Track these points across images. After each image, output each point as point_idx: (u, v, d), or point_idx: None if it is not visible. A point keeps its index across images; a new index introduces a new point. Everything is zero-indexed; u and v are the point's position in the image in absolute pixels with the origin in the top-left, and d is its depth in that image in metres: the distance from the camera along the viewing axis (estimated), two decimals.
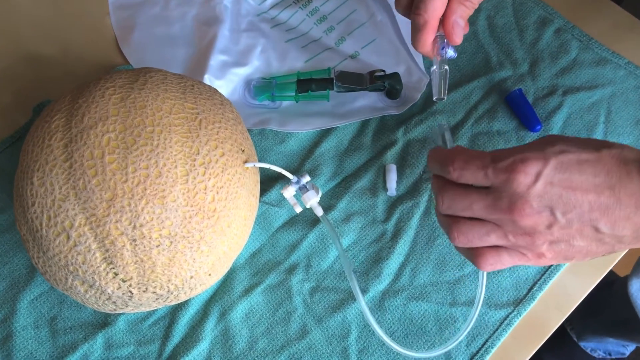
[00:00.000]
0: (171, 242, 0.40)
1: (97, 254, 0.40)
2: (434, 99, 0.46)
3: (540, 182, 0.37)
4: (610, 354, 1.12)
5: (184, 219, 0.41)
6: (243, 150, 0.45)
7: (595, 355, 1.12)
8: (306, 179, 0.49)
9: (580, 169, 0.37)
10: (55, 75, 0.63)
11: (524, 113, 0.60)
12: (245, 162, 0.45)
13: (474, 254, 0.42)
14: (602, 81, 0.62)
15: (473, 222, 0.41)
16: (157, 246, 0.40)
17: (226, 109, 0.46)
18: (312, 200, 0.49)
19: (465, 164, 0.40)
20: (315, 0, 0.66)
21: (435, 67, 0.46)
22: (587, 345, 1.11)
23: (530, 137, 0.59)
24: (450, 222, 0.42)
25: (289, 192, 0.49)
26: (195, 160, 0.41)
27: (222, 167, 0.42)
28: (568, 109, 0.61)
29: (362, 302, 0.48)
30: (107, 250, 0.40)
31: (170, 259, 0.41)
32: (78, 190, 0.39)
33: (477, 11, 0.66)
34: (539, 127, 0.59)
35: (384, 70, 0.60)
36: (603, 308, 1.02)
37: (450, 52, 0.46)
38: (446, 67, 0.46)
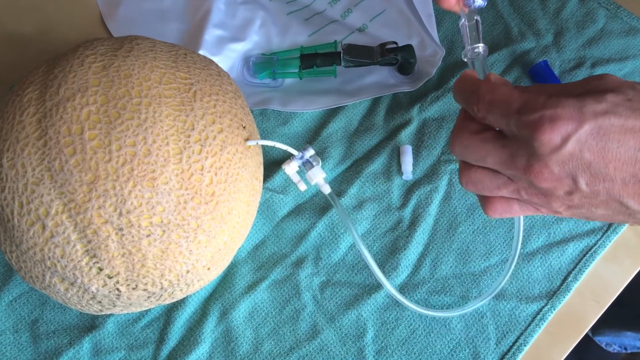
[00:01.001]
0: (164, 231, 0.35)
1: (78, 246, 0.34)
2: (465, 58, 0.40)
3: (568, 147, 0.32)
4: (626, 348, 1.08)
5: (178, 204, 0.35)
6: (244, 127, 0.40)
7: (610, 349, 1.07)
8: (310, 152, 0.44)
9: (621, 139, 0.32)
10: (34, 56, 0.57)
11: None
12: (247, 139, 0.39)
13: (482, 200, 0.38)
14: (633, 52, 0.57)
15: (485, 173, 0.36)
16: (148, 236, 0.35)
17: (224, 81, 0.40)
18: (318, 176, 0.44)
19: (490, 106, 0.34)
20: None
21: (463, 20, 0.40)
22: (602, 340, 1.06)
23: None
24: (461, 166, 0.37)
25: (292, 168, 0.43)
26: (189, 136, 0.36)
27: (220, 144, 0.37)
28: None
29: (387, 285, 0.43)
30: (89, 242, 0.34)
31: (163, 250, 0.35)
32: (54, 172, 0.34)
33: None
34: None
35: (396, 43, 0.54)
36: (626, 300, 0.97)
37: (479, 0, 0.40)
38: (477, 17, 0.40)
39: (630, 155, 0.32)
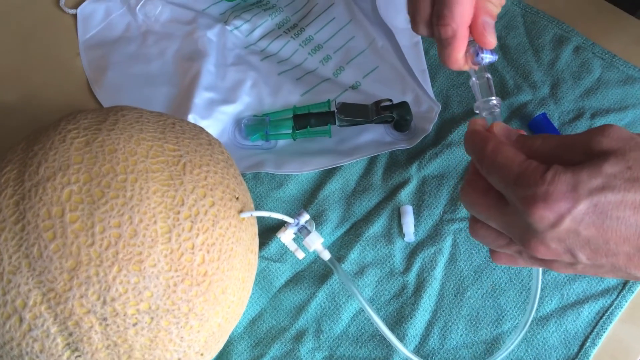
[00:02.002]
0: (152, 318, 0.32)
1: (59, 340, 0.32)
2: (478, 111, 0.39)
3: (564, 225, 0.30)
4: None
5: (167, 287, 0.32)
6: (237, 198, 0.37)
7: None
8: (305, 217, 0.42)
9: (621, 215, 0.30)
10: (18, 126, 0.55)
11: None
12: (241, 211, 0.37)
13: (489, 250, 0.37)
14: (632, 101, 0.56)
15: (490, 231, 0.35)
16: (134, 325, 0.32)
17: (215, 150, 0.38)
18: (316, 242, 0.42)
19: (492, 168, 0.34)
20: (308, 28, 0.59)
21: (474, 78, 0.39)
22: None
23: None
24: (470, 220, 0.37)
25: (287, 236, 0.41)
26: (179, 213, 0.33)
27: (212, 219, 0.35)
28: None
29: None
30: (70, 334, 0.31)
31: (151, 339, 0.32)
32: (32, 259, 0.31)
33: None
34: None
35: (390, 100, 0.53)
36: None
37: (489, 56, 0.38)
38: (487, 75, 0.39)
39: (632, 232, 0.30)
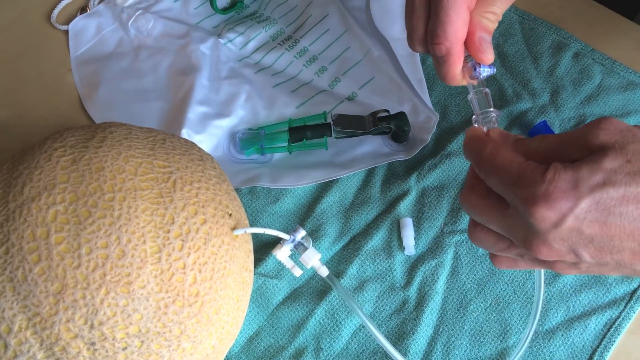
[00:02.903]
0: (142, 341, 0.31)
1: None
2: (476, 124, 0.38)
3: (566, 224, 0.30)
4: None
5: (158, 309, 0.31)
6: (230, 215, 0.36)
7: None
8: (301, 233, 0.41)
9: (624, 210, 0.30)
10: (9, 143, 0.54)
11: None
12: (234, 228, 0.36)
13: (490, 254, 0.37)
14: (634, 107, 0.55)
15: (490, 234, 0.35)
16: (124, 349, 0.31)
17: (207, 166, 0.37)
18: (314, 259, 0.40)
19: (490, 171, 0.33)
20: (303, 40, 0.59)
21: (471, 94, 0.38)
22: None
23: None
24: (470, 222, 0.36)
25: (284, 253, 0.40)
26: (169, 231, 0.32)
27: (204, 237, 0.33)
28: None
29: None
30: None
31: None
32: (17, 283, 0.30)
33: None
34: None
35: (387, 111, 0.52)
36: None
37: (487, 70, 0.37)
38: (486, 89, 0.38)
39: (636, 227, 0.29)
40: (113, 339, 0.30)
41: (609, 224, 0.30)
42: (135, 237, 0.31)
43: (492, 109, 0.38)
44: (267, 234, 0.49)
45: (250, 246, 0.39)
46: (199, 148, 0.39)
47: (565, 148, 0.32)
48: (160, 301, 0.31)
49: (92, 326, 0.30)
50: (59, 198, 0.31)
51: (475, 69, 0.37)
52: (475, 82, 0.38)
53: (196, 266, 0.33)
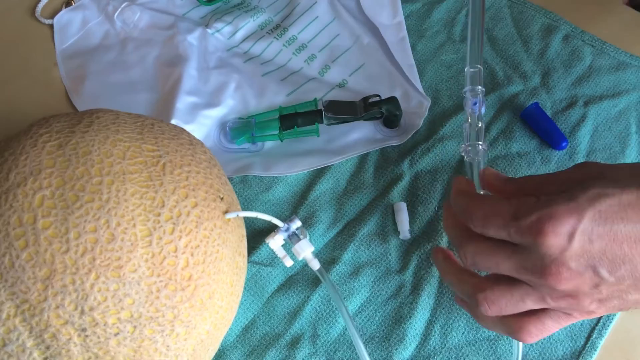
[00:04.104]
0: (134, 327, 0.30)
1: (35, 354, 0.30)
2: (464, 154, 0.42)
3: (577, 241, 0.31)
4: None
5: (150, 293, 0.31)
6: (222, 198, 0.36)
7: None
8: (296, 224, 0.40)
9: (624, 216, 0.31)
10: None
11: (544, 129, 0.52)
12: (226, 212, 0.35)
13: (511, 326, 0.35)
14: (625, 87, 0.55)
15: (502, 287, 0.34)
16: (116, 334, 0.30)
17: (197, 150, 0.37)
18: (306, 250, 0.40)
19: (486, 220, 0.34)
20: (291, 28, 0.58)
21: (466, 124, 0.42)
22: None
23: (556, 156, 0.51)
24: (474, 290, 0.35)
25: (277, 242, 0.40)
26: (159, 215, 0.32)
27: (196, 221, 0.33)
28: (593, 121, 0.53)
29: None
30: (47, 348, 0.29)
31: (135, 350, 0.31)
32: (4, 270, 0.29)
33: None
34: (565, 143, 0.51)
35: (379, 95, 0.51)
36: None
37: (484, 109, 0.42)
38: (480, 124, 0.42)
39: (639, 231, 0.31)
40: (104, 325, 0.30)
41: (615, 232, 0.31)
42: (124, 220, 0.30)
43: (480, 142, 0.41)
44: (260, 223, 0.48)
45: (243, 231, 0.39)
46: (188, 133, 0.38)
47: (551, 184, 0.34)
48: (152, 285, 0.31)
49: (82, 312, 0.29)
50: (45, 183, 0.31)
51: (475, 104, 0.41)
52: (470, 112, 0.42)
53: (188, 249, 0.32)
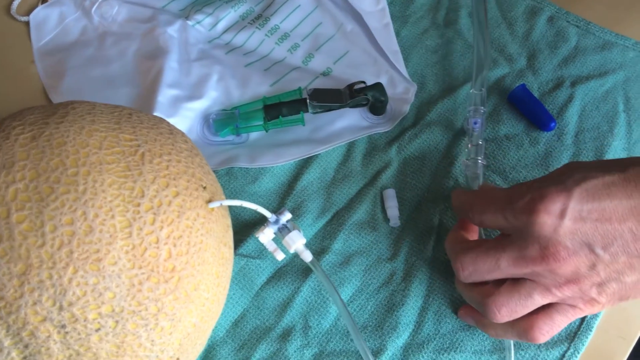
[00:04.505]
0: (116, 321, 0.29)
1: (14, 354, 0.28)
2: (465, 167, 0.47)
3: (568, 218, 0.33)
4: None
5: (132, 286, 0.30)
6: (204, 187, 0.35)
7: None
8: (286, 216, 0.39)
9: (610, 193, 0.33)
10: None
11: (532, 111, 0.51)
12: (209, 201, 0.34)
13: (521, 327, 0.36)
14: (611, 66, 0.54)
15: (508, 287, 0.35)
16: (97, 330, 0.29)
17: (177, 139, 0.36)
18: (297, 242, 0.39)
19: (484, 207, 0.37)
20: (273, 18, 0.57)
21: (468, 141, 0.47)
22: None
23: (544, 137, 0.50)
24: (482, 297, 0.36)
25: (267, 236, 0.39)
26: (139, 205, 0.31)
27: (177, 210, 0.32)
28: (581, 101, 0.52)
29: None
30: (26, 347, 0.28)
31: (118, 345, 0.30)
32: None
33: (457, 9, 0.58)
34: (553, 124, 0.50)
35: (364, 82, 0.51)
36: None
37: (479, 129, 0.47)
38: (481, 142, 0.47)
39: (625, 207, 0.32)
40: (85, 320, 0.28)
41: (602, 208, 0.32)
42: (102, 211, 0.29)
43: (480, 158, 0.46)
44: (246, 214, 0.47)
45: (229, 221, 0.38)
46: (168, 122, 0.37)
47: (540, 182, 0.35)
48: (134, 278, 0.30)
49: (61, 308, 0.28)
50: (18, 176, 0.30)
51: (475, 123, 0.47)
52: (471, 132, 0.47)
53: (170, 240, 0.31)
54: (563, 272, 0.33)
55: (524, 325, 0.36)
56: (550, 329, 0.36)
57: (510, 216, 0.35)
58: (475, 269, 0.36)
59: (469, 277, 0.36)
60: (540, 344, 0.42)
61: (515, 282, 0.35)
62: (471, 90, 0.50)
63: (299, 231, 0.39)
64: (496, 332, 0.39)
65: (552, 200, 0.33)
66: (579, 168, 0.35)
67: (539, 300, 0.35)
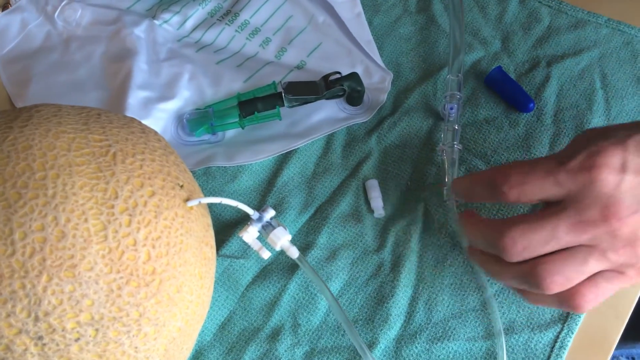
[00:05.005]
0: (96, 330, 0.28)
1: None
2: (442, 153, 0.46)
3: (629, 172, 0.30)
4: (633, 358, 1.03)
5: (110, 292, 0.28)
6: (181, 186, 0.33)
7: None
8: (270, 213, 0.38)
9: None
10: None
11: (510, 93, 0.51)
12: (187, 200, 0.33)
13: (564, 295, 0.33)
14: (586, 44, 0.54)
15: (562, 254, 0.32)
16: (77, 340, 0.27)
17: (150, 138, 0.34)
18: (283, 239, 0.38)
19: (525, 176, 0.33)
20: (242, 13, 0.56)
21: (445, 126, 0.47)
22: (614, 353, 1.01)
23: (524, 118, 0.50)
24: (532, 267, 0.33)
25: (251, 235, 0.37)
26: (113, 207, 0.29)
27: (154, 210, 0.30)
28: (557, 80, 0.52)
29: None
30: None
31: (99, 355, 0.28)
32: None
33: None
34: (531, 105, 0.50)
35: (339, 72, 0.50)
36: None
37: (454, 114, 0.47)
38: (457, 126, 0.47)
39: None
40: (63, 330, 0.27)
41: None
42: (74, 215, 0.28)
43: (456, 143, 0.45)
44: (227, 214, 0.46)
45: (209, 220, 0.36)
46: (140, 122, 0.36)
47: (581, 142, 0.33)
48: (112, 283, 0.28)
49: (36, 318, 0.27)
50: None
51: (449, 108, 0.47)
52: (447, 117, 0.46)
53: (148, 241, 0.30)
54: (622, 233, 0.31)
55: (567, 293, 0.33)
56: (595, 297, 0.33)
57: (564, 178, 0.31)
58: (530, 243, 0.32)
59: (522, 253, 0.32)
60: (532, 328, 0.41)
61: (568, 250, 0.32)
62: (448, 76, 0.49)
63: (284, 228, 0.38)
64: (536, 298, 0.36)
65: (611, 154, 0.30)
66: (606, 131, 0.33)
67: (594, 266, 0.32)
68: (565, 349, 0.41)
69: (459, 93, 0.48)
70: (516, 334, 0.41)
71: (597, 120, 0.50)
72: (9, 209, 0.27)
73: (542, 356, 0.41)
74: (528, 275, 0.33)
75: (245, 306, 0.43)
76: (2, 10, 0.56)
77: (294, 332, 0.42)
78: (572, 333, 0.41)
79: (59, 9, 0.56)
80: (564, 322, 0.42)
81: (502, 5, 0.56)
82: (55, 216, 0.28)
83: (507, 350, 0.41)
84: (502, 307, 0.42)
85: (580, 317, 0.42)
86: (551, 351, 0.41)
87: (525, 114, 0.50)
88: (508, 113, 0.51)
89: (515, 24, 0.55)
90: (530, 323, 0.42)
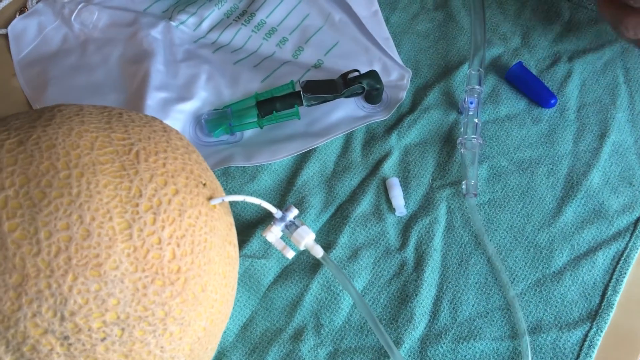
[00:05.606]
0: (122, 329, 0.27)
1: None
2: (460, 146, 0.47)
3: None
4: None
5: (136, 291, 0.28)
6: (204, 184, 0.33)
7: None
8: (293, 212, 0.38)
9: None
10: None
11: (531, 88, 0.50)
12: (210, 198, 0.33)
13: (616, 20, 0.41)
14: (607, 38, 0.53)
15: None
16: (103, 340, 0.27)
17: (172, 136, 0.34)
18: (307, 238, 0.37)
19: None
20: (258, 13, 0.56)
21: (465, 119, 0.47)
22: None
23: (547, 114, 0.49)
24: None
25: (274, 234, 0.37)
26: (138, 205, 0.29)
27: (178, 209, 0.30)
28: (580, 75, 0.51)
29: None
30: None
31: (126, 354, 0.28)
32: None
33: None
34: (554, 100, 0.49)
35: (358, 70, 0.49)
36: None
37: (472, 107, 0.47)
38: (477, 120, 0.47)
39: None
40: (89, 330, 0.27)
41: None
42: (99, 214, 0.28)
43: (475, 136, 0.46)
44: (248, 214, 0.46)
45: (231, 219, 0.36)
46: (161, 121, 0.36)
47: None
48: (138, 282, 0.28)
49: (62, 318, 0.26)
50: (7, 182, 0.28)
51: (471, 103, 0.47)
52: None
53: (173, 240, 0.29)
54: None
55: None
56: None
57: None
58: None
59: (637, 35, 0.42)
60: (561, 327, 0.41)
61: None
62: (468, 70, 0.49)
63: (307, 227, 0.38)
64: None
65: None
66: None
67: None
68: (594, 347, 0.40)
69: (479, 87, 0.48)
70: (544, 332, 0.40)
71: (622, 115, 0.49)
72: (33, 208, 0.27)
73: (571, 355, 0.40)
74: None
75: (267, 306, 0.42)
76: (20, 14, 0.57)
77: (316, 333, 0.41)
78: (602, 331, 0.40)
79: (75, 12, 0.56)
80: (593, 321, 0.41)
81: (521, 1, 0.56)
82: (80, 215, 0.27)
83: (535, 349, 0.40)
84: (529, 305, 0.41)
85: (609, 314, 0.41)
86: (580, 350, 0.40)
87: (547, 110, 0.50)
88: (530, 109, 0.50)
89: (534, 19, 0.55)
90: (558, 322, 0.41)
